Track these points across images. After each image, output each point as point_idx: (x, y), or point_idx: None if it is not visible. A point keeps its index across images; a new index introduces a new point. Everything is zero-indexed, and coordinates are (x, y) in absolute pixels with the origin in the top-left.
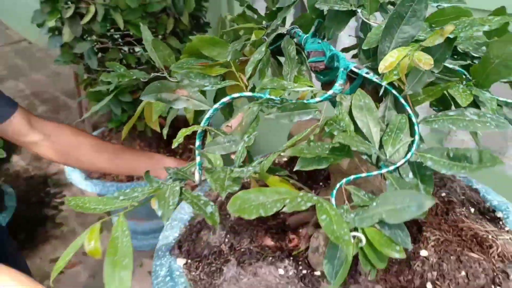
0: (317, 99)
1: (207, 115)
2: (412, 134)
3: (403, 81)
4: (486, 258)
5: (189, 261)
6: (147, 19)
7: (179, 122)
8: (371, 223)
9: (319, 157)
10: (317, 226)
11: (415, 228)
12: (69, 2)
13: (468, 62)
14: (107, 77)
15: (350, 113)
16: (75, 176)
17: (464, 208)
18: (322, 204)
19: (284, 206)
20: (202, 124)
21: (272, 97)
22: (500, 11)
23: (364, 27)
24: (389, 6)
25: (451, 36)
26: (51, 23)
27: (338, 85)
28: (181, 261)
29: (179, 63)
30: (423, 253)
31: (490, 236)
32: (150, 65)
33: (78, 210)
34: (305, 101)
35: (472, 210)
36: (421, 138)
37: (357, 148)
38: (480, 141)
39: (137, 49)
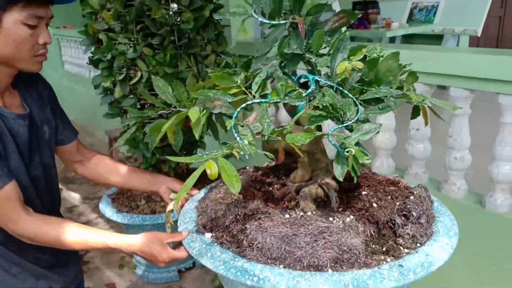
0: (304, 94)
1: (234, 115)
2: (355, 106)
3: (345, 83)
4: (399, 189)
5: (214, 234)
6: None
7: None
8: (354, 142)
9: (319, 115)
10: (296, 193)
11: (355, 183)
12: (123, 69)
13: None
14: (130, 115)
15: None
16: (108, 211)
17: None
18: (328, 135)
19: (312, 138)
20: (233, 119)
21: (275, 98)
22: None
23: (308, 63)
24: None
25: (366, 54)
26: (107, 84)
27: (313, 86)
28: (208, 235)
29: (199, 91)
30: (364, 192)
31: (397, 179)
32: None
33: (182, 161)
34: (299, 94)
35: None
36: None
37: (337, 106)
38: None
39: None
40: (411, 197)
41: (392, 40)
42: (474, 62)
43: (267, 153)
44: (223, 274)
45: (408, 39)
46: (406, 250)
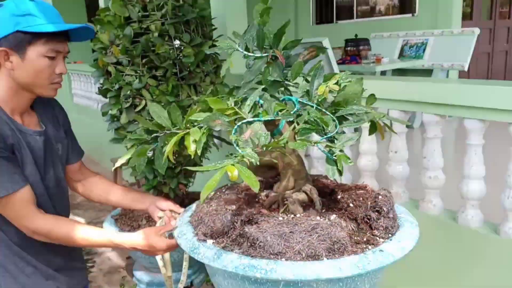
0: (292, 112)
1: (233, 131)
2: (335, 120)
3: (322, 104)
4: (367, 192)
5: (214, 240)
6: (180, 110)
7: (196, 195)
8: (339, 148)
9: (308, 128)
10: (283, 200)
11: (330, 190)
12: (129, 98)
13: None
14: (129, 137)
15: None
16: (111, 230)
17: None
18: (317, 143)
19: (307, 145)
20: (232, 134)
21: (266, 117)
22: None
23: (286, 89)
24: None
25: (338, 79)
26: (113, 112)
27: (298, 106)
28: (210, 241)
29: (196, 114)
30: (339, 196)
31: (364, 185)
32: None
33: (200, 171)
34: (288, 112)
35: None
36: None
37: (321, 123)
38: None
39: None
40: (379, 197)
41: (383, 74)
42: (441, 90)
43: (272, 159)
44: (232, 271)
45: (400, 73)
46: (382, 240)
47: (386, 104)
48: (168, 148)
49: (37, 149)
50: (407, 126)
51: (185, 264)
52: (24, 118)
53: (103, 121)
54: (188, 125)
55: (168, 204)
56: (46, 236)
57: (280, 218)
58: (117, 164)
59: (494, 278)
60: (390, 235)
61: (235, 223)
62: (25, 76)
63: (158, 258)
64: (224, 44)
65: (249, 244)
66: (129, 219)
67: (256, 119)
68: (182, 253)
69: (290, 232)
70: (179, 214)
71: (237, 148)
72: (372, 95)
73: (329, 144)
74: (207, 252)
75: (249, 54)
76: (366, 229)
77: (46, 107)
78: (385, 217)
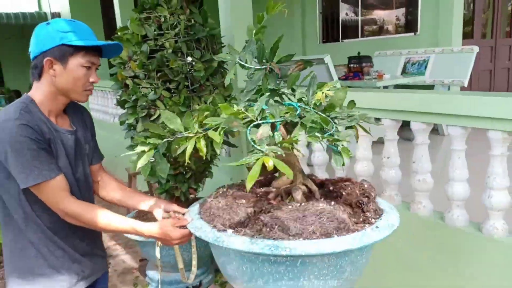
0: (296, 113)
1: (248, 132)
2: (331, 121)
3: (318, 108)
4: (352, 183)
5: (233, 229)
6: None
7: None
8: (343, 141)
9: (312, 127)
10: (285, 193)
11: (320, 183)
12: (145, 108)
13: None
14: (150, 141)
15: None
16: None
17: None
18: (323, 138)
19: (318, 139)
20: (248, 135)
21: (273, 119)
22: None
23: (280, 96)
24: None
25: (330, 87)
26: (130, 121)
27: (300, 109)
28: (230, 231)
29: (210, 118)
30: (331, 188)
31: (349, 177)
32: None
33: (238, 164)
34: (293, 114)
35: None
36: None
37: (323, 124)
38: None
39: None
40: (365, 185)
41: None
42: (426, 101)
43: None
44: (259, 251)
45: (403, 89)
46: (374, 220)
47: (379, 113)
48: (188, 151)
49: (69, 146)
50: (409, 139)
51: (194, 256)
52: (58, 120)
53: (118, 135)
54: (198, 130)
55: (171, 206)
56: (76, 219)
57: (290, 207)
58: (138, 166)
59: (478, 273)
60: (378, 216)
61: (249, 214)
62: (64, 82)
63: (157, 252)
64: (228, 57)
65: (268, 229)
66: (143, 221)
67: (265, 121)
68: (190, 253)
69: (303, 216)
70: (182, 214)
71: (254, 145)
72: (352, 101)
73: (335, 138)
74: (232, 238)
75: (250, 66)
76: (359, 212)
77: (76, 112)
78: (373, 202)
